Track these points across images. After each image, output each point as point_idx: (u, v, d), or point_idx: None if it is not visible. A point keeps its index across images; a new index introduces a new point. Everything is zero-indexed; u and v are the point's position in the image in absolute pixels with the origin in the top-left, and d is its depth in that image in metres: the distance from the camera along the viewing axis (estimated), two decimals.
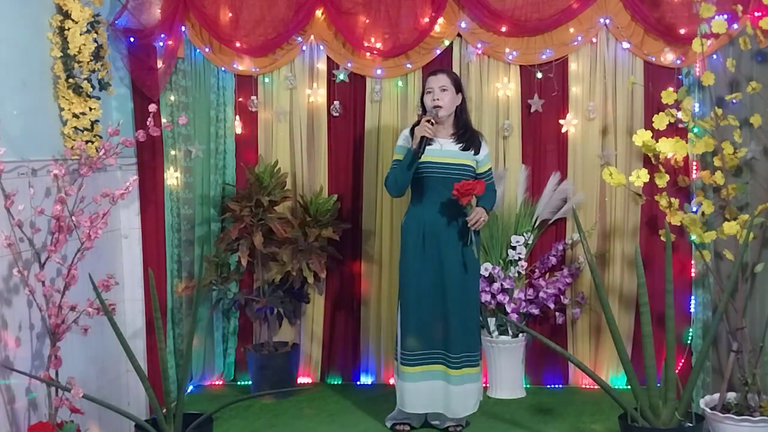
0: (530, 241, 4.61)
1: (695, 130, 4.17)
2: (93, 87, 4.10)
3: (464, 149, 3.92)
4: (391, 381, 4.63)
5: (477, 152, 3.95)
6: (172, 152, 4.70)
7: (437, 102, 3.87)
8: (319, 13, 4.63)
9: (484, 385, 4.59)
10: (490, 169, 4.06)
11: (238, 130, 4.87)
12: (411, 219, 3.96)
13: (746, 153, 4.12)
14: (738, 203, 4.17)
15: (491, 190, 4.04)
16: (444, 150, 3.89)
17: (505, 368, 4.56)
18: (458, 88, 3.96)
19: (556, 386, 4.75)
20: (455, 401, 3.91)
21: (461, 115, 3.99)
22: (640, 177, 4.13)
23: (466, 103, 4.03)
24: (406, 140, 3.94)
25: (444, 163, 3.86)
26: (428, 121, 3.81)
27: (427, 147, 3.82)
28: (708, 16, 3.95)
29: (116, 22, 4.45)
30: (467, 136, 3.95)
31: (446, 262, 3.87)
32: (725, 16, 4.06)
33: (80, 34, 3.96)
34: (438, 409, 3.95)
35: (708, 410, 3.80)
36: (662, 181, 4.18)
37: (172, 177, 4.71)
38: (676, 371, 3.60)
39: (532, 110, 4.64)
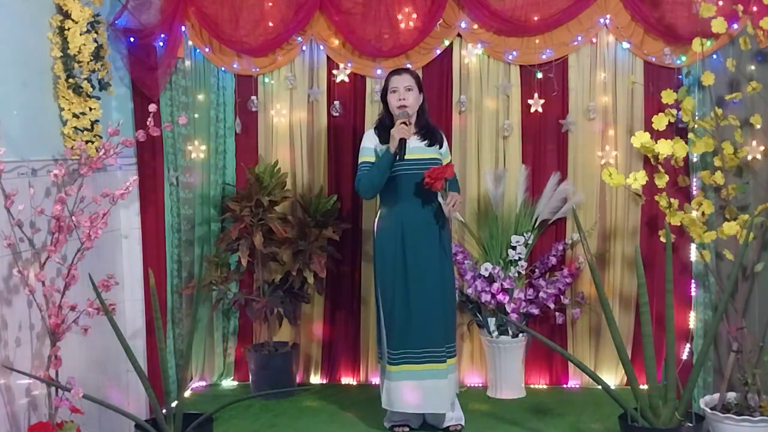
0: (530, 241, 4.61)
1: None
2: (93, 87, 4.10)
3: (429, 145, 4.01)
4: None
5: (441, 146, 4.05)
6: (172, 152, 4.70)
7: (403, 102, 3.93)
8: (318, 13, 4.63)
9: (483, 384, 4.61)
10: (450, 160, 4.18)
11: (238, 130, 4.87)
12: (387, 220, 3.99)
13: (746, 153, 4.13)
14: (738, 203, 4.17)
15: (455, 180, 4.16)
16: (412, 147, 3.93)
17: (505, 368, 4.55)
18: (420, 87, 4.03)
19: (556, 386, 4.75)
20: (446, 394, 3.92)
21: (423, 113, 4.06)
22: (637, 179, 4.14)
23: (426, 101, 4.10)
24: (374, 143, 3.98)
25: (414, 159, 3.91)
26: (403, 122, 3.84)
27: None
28: (708, 16, 3.95)
29: (116, 22, 4.45)
30: (430, 133, 4.04)
31: (427, 257, 3.92)
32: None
33: (80, 34, 3.96)
34: (428, 409, 3.95)
35: (708, 410, 3.81)
36: (662, 181, 4.18)
37: (172, 177, 4.71)
38: (676, 371, 3.59)
39: (532, 110, 4.64)
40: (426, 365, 3.90)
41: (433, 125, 4.13)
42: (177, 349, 4.74)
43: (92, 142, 4.04)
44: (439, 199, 3.95)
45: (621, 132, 4.60)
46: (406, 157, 3.87)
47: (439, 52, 4.64)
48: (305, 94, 4.83)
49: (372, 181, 3.93)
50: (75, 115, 4.01)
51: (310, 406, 4.52)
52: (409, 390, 3.91)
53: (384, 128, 3.95)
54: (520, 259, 4.55)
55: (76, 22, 3.95)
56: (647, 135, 4.15)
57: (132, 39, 4.51)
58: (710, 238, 4.03)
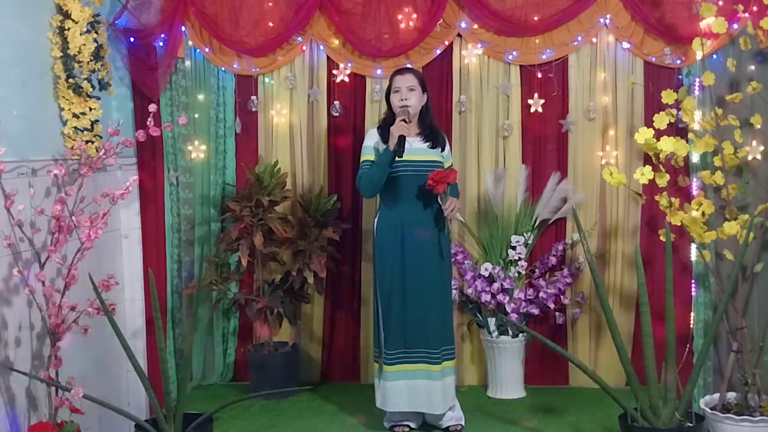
0: (530, 241, 4.61)
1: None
2: (93, 87, 4.11)
3: (432, 147, 4.00)
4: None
5: (443, 149, 4.04)
6: (172, 152, 4.70)
7: (405, 102, 3.92)
8: (318, 13, 4.63)
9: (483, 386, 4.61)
10: (452, 164, 4.16)
11: (238, 130, 4.87)
12: (387, 220, 3.98)
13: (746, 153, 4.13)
14: (738, 203, 4.17)
15: (455, 184, 4.11)
16: (414, 148, 3.93)
17: (505, 368, 4.55)
18: (424, 87, 4.01)
19: (556, 386, 4.74)
20: (439, 396, 3.92)
21: (426, 114, 4.04)
22: (644, 174, 4.11)
23: (430, 102, 4.09)
24: (375, 141, 3.98)
25: (415, 161, 3.91)
26: (402, 120, 3.84)
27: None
28: (708, 16, 3.95)
29: (116, 22, 4.45)
30: (433, 135, 4.03)
31: (425, 258, 3.92)
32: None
33: (80, 34, 3.96)
34: (420, 408, 3.96)
35: (708, 410, 3.80)
36: (662, 180, 4.18)
37: (172, 177, 4.71)
38: (676, 371, 3.59)
39: (532, 110, 4.64)
40: (419, 365, 3.90)
41: (437, 127, 4.11)
42: (177, 349, 4.74)
43: (92, 142, 4.05)
44: (439, 201, 3.95)
45: (621, 132, 4.59)
46: (407, 157, 3.87)
47: (439, 52, 4.64)
48: (305, 94, 4.83)
49: (372, 179, 3.93)
50: (75, 115, 4.01)
51: (310, 406, 4.52)
52: (402, 389, 3.91)
53: (387, 128, 3.94)
54: (520, 259, 4.55)
55: (76, 22, 3.95)
56: (650, 131, 4.14)
57: (132, 39, 4.51)
58: (710, 238, 4.03)
